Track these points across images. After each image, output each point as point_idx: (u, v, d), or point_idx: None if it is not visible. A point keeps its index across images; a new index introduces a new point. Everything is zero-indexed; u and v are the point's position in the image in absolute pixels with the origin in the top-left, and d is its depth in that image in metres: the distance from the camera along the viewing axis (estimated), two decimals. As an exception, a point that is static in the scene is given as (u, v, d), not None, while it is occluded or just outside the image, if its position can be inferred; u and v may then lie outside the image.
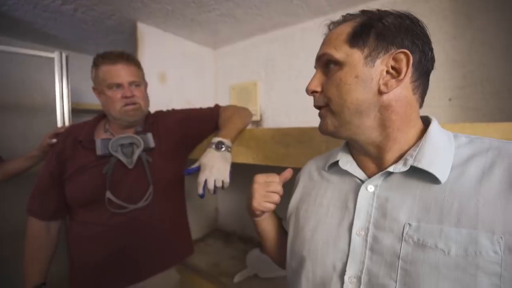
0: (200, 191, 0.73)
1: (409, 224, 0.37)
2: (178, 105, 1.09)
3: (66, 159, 0.83)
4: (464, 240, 0.33)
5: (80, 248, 0.82)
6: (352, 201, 0.43)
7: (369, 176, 0.43)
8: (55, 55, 1.20)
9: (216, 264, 1.34)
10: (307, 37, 1.33)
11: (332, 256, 0.42)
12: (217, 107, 0.97)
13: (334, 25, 0.45)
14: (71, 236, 0.84)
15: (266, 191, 0.54)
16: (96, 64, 0.82)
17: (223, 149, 0.77)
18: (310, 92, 0.46)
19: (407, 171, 0.39)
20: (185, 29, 1.44)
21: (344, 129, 0.43)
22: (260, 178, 0.55)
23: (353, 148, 0.47)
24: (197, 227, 1.61)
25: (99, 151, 0.80)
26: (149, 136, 0.86)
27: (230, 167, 0.76)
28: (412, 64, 0.39)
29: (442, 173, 0.37)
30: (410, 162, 0.39)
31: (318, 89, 0.45)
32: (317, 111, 0.47)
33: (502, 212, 0.32)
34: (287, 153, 0.79)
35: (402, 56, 0.39)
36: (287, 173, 0.57)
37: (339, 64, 0.41)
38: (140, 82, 0.86)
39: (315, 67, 0.47)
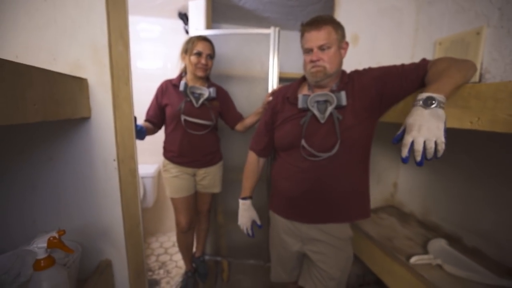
0: (405, 153, 0.63)
1: None
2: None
3: (277, 111, 1.04)
4: None
5: (278, 182, 1.04)
6: None
7: None
8: (271, 31, 1.47)
9: (389, 239, 1.26)
10: None
11: None
12: (424, 61, 0.83)
13: None
14: (274, 172, 1.07)
15: None
16: (301, 33, 0.94)
17: (434, 105, 0.63)
18: None
19: None
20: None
21: None
22: None
23: None
24: (371, 198, 1.55)
25: (300, 104, 0.93)
26: (342, 94, 0.89)
27: (445, 126, 0.63)
28: None
29: None
30: None
31: None
32: None
33: None
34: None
35: None
36: None
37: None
38: (331, 44, 0.88)
39: None
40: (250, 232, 1.10)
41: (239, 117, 1.51)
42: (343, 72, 0.98)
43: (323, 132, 0.91)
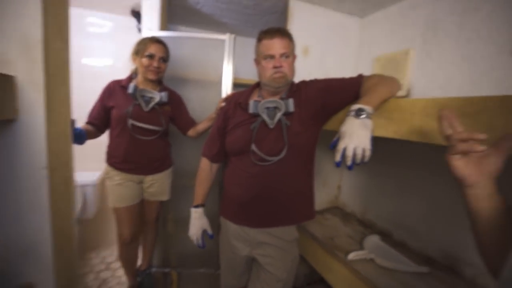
0: (338, 158, 0.71)
1: None
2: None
3: (229, 117, 1.06)
4: None
5: (229, 188, 1.05)
6: None
7: None
8: (226, 37, 1.49)
9: (331, 238, 1.37)
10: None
11: None
12: (360, 77, 0.93)
13: None
14: (225, 178, 1.08)
15: None
16: (259, 39, 0.98)
17: (363, 116, 0.73)
18: None
19: None
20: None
21: None
22: None
23: None
24: (317, 200, 1.66)
25: (250, 110, 0.97)
26: (290, 101, 0.94)
27: (371, 135, 0.72)
28: None
29: None
30: None
31: None
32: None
33: None
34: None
35: None
36: None
37: None
38: (290, 54, 0.95)
39: None
40: (200, 242, 1.08)
41: (192, 123, 1.49)
42: (292, 82, 1.04)
43: (272, 137, 0.95)
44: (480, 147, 0.46)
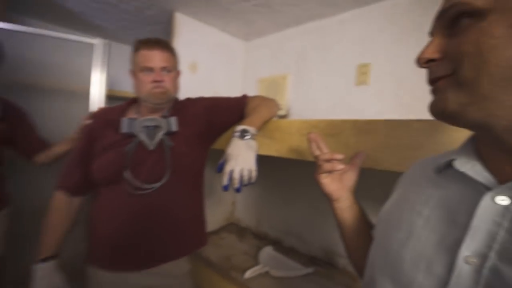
0: (225, 181, 0.69)
1: None
2: (206, 95, 1.09)
3: (96, 137, 0.86)
4: None
5: (98, 226, 0.84)
6: (465, 213, 0.31)
7: (502, 183, 0.30)
8: (96, 41, 1.25)
9: (228, 258, 1.33)
10: (343, 30, 1.26)
11: (422, 281, 0.32)
12: (245, 97, 0.95)
13: None
14: (92, 214, 0.86)
15: None
16: (135, 48, 0.85)
17: (248, 137, 0.74)
18: (424, 61, 0.33)
19: None
20: (220, 20, 1.44)
21: (477, 108, 0.28)
22: None
23: (483, 143, 0.34)
24: (213, 219, 1.61)
25: (123, 129, 0.81)
26: (173, 119, 0.86)
27: (256, 156, 0.73)
28: None
29: None
30: None
31: (436, 55, 0.32)
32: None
33: None
34: (313, 147, 0.74)
35: None
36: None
37: (479, 14, 0.28)
38: (172, 69, 0.87)
39: (431, 32, 0.35)
40: None
41: (41, 145, 1.15)
42: (176, 98, 0.96)
43: (151, 161, 0.83)
44: (340, 166, 0.53)
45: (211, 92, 1.52)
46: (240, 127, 0.76)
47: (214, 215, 1.64)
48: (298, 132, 0.79)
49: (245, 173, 0.69)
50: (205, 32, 1.51)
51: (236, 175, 0.68)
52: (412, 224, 0.36)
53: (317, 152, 0.57)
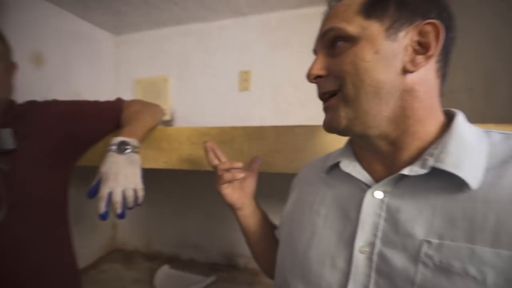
0: (103, 208, 0.54)
1: (428, 242, 0.29)
2: (62, 97, 0.83)
3: None
4: (505, 265, 0.25)
5: None
6: (355, 209, 0.35)
7: (377, 180, 0.35)
8: None
9: (115, 293, 1.11)
10: (225, 36, 1.29)
11: (329, 276, 0.35)
12: (119, 101, 0.79)
13: None
14: None
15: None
16: None
17: (129, 150, 0.61)
18: (313, 77, 0.37)
19: (426, 174, 0.31)
20: (78, 4, 1.16)
21: (359, 122, 0.34)
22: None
23: (358, 146, 0.39)
24: (87, 251, 1.30)
25: None
26: (6, 132, 0.60)
27: (141, 172, 0.62)
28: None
29: (473, 177, 0.29)
30: (431, 162, 0.31)
31: (323, 72, 0.36)
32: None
33: None
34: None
35: (429, 28, 0.32)
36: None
37: (351, 40, 0.33)
38: None
39: (314, 50, 0.39)
40: None
41: None
42: (12, 102, 0.69)
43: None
44: (240, 174, 0.53)
45: (70, 93, 1.21)
46: (117, 139, 0.62)
47: (89, 246, 1.32)
48: (188, 140, 0.73)
49: (129, 194, 0.57)
50: (55, 16, 1.17)
51: (117, 198, 0.56)
52: (314, 225, 0.39)
53: (215, 162, 0.54)
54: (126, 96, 1.25)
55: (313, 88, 0.39)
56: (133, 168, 0.60)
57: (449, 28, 0.33)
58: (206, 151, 0.55)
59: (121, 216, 0.57)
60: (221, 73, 1.30)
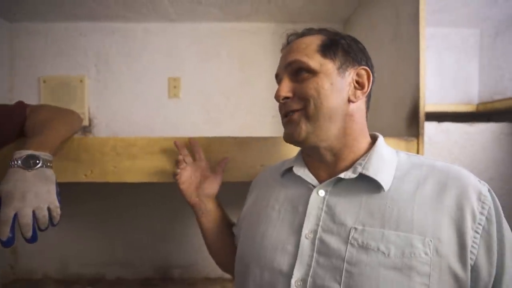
0: (6, 234, 0.48)
1: (355, 228, 0.39)
2: None
3: None
4: (401, 242, 0.36)
5: None
6: (303, 205, 0.45)
7: (321, 182, 0.45)
8: None
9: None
10: (150, 40, 1.24)
11: (280, 259, 0.43)
12: (22, 106, 0.67)
13: (296, 36, 0.48)
14: None
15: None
16: None
17: (39, 165, 0.53)
18: (282, 98, 0.46)
19: (355, 178, 0.42)
20: None
21: (314, 135, 0.44)
22: None
23: (307, 156, 0.50)
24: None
25: None
26: None
27: (56, 188, 0.56)
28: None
29: (386, 182, 0.41)
30: (359, 169, 0.42)
31: (290, 94, 0.45)
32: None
33: (431, 219, 0.37)
34: (134, 167, 0.68)
35: (363, 72, 0.45)
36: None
37: (313, 72, 0.43)
38: None
39: (278, 74, 0.49)
40: None
41: None
42: None
43: None
44: (188, 158, 0.62)
45: None
46: (23, 152, 0.53)
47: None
48: (113, 150, 0.69)
49: (43, 214, 0.51)
50: None
51: (27, 220, 0.49)
52: (269, 217, 0.48)
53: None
54: (29, 98, 1.09)
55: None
56: (47, 185, 0.54)
57: (373, 73, 0.46)
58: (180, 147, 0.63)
59: (32, 240, 0.52)
60: (148, 78, 1.24)
